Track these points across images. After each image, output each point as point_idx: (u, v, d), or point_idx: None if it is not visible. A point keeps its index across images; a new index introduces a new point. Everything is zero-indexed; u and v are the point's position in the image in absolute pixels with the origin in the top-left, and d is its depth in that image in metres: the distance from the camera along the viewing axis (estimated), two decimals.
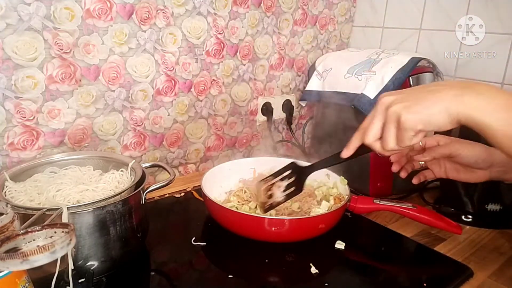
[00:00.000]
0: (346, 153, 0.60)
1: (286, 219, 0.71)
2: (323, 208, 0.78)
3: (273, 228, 0.70)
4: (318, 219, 0.72)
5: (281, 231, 0.70)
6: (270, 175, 0.73)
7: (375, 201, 0.78)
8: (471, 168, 0.68)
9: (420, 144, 0.68)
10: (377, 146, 0.55)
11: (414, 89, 0.53)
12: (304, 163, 0.72)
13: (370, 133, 0.55)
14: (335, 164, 0.65)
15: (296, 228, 0.70)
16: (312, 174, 0.72)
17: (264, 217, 0.71)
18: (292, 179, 0.71)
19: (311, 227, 0.71)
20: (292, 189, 0.71)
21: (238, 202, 0.81)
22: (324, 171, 0.89)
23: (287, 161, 0.76)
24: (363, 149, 0.59)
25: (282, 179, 0.71)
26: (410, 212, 0.76)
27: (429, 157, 0.67)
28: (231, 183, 0.90)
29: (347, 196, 0.78)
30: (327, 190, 0.85)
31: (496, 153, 0.65)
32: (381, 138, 0.55)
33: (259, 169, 0.93)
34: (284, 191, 0.71)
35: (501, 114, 0.45)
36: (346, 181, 0.83)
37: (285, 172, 0.71)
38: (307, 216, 0.75)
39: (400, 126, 0.51)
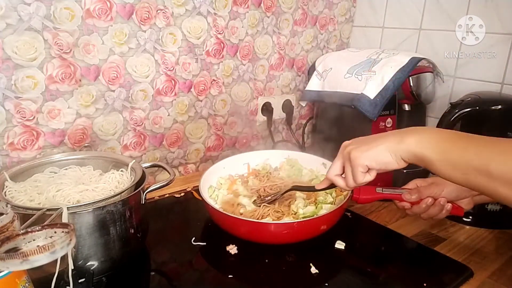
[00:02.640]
0: (319, 186, 0.70)
1: (289, 222, 0.71)
2: (328, 200, 0.79)
3: (273, 229, 0.70)
4: (321, 219, 0.72)
5: (283, 234, 0.70)
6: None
7: (377, 190, 0.77)
8: (455, 202, 0.73)
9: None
10: (339, 182, 0.65)
11: (369, 137, 0.62)
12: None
13: (331, 170, 0.65)
14: (315, 191, 0.74)
15: (298, 230, 0.70)
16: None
17: (265, 223, 0.72)
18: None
19: (313, 228, 0.71)
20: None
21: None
22: (320, 160, 0.92)
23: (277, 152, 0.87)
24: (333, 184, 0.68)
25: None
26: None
27: (416, 198, 0.72)
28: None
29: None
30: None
31: None
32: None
33: (252, 163, 0.96)
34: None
35: (436, 146, 0.53)
36: None
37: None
38: (309, 218, 0.75)
39: (351, 163, 0.60)
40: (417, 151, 0.54)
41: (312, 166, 0.94)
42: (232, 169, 0.93)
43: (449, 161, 0.52)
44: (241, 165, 0.95)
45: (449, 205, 0.71)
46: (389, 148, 0.57)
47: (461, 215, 0.75)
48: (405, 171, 1.03)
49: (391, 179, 0.94)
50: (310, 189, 0.75)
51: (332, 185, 0.69)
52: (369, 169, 0.60)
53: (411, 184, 0.75)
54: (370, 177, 0.61)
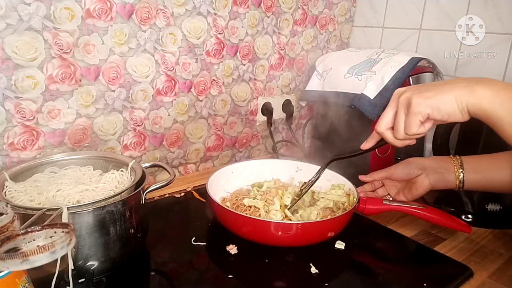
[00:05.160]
0: (365, 145, 0.64)
1: (296, 223, 0.70)
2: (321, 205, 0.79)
3: (279, 233, 0.69)
4: (327, 223, 0.71)
5: (289, 236, 0.69)
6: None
7: (384, 202, 0.78)
8: (411, 182, 0.76)
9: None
10: (388, 136, 0.57)
11: (429, 84, 0.56)
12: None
13: (382, 121, 0.57)
14: (357, 155, 0.68)
15: (305, 233, 0.69)
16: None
17: (274, 222, 0.71)
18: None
19: (319, 233, 0.71)
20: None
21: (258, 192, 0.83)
22: (329, 178, 0.88)
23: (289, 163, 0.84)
24: (381, 141, 0.61)
25: None
26: (420, 212, 0.76)
27: (370, 178, 0.76)
28: (235, 185, 0.90)
29: (355, 198, 0.78)
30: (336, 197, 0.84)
31: (428, 158, 0.78)
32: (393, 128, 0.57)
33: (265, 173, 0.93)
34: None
35: (510, 105, 0.47)
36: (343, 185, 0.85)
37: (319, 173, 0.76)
38: (317, 220, 0.75)
39: (409, 110, 0.52)
40: (488, 107, 0.48)
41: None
42: (240, 175, 0.91)
43: None
44: (249, 172, 0.92)
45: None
46: (457, 98, 0.50)
47: (469, 232, 0.76)
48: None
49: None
50: (353, 153, 0.68)
51: (380, 142, 0.62)
52: (426, 119, 0.53)
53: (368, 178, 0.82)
54: (424, 129, 0.54)
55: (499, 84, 0.50)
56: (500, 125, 0.48)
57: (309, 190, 0.79)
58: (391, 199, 0.82)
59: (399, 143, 0.58)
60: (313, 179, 0.76)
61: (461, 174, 0.73)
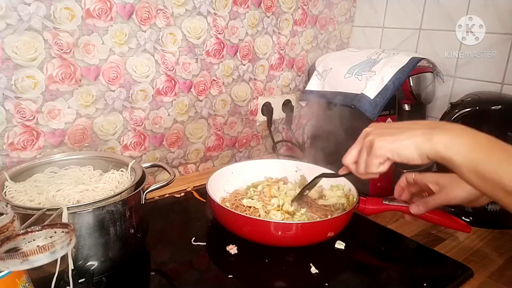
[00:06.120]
0: (341, 172, 0.67)
1: (296, 223, 0.70)
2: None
3: (279, 233, 0.69)
4: (327, 223, 0.72)
5: (289, 236, 0.69)
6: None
7: (384, 202, 0.77)
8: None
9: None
10: (353, 169, 0.62)
11: (392, 124, 0.60)
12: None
13: (347, 156, 0.62)
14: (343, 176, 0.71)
15: (306, 233, 0.70)
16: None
17: (274, 222, 0.71)
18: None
19: (319, 232, 0.71)
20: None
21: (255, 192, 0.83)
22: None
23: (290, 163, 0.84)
24: None
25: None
26: None
27: (425, 210, 0.70)
28: (234, 186, 0.90)
29: (355, 198, 0.78)
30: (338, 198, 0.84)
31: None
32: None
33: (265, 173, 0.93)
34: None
35: (467, 153, 0.50)
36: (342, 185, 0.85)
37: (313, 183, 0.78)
38: (317, 220, 0.75)
39: (371, 152, 0.57)
40: (446, 154, 0.51)
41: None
42: (241, 175, 0.91)
43: (478, 173, 0.49)
44: (250, 172, 0.92)
45: None
46: (416, 144, 0.53)
47: (469, 232, 0.76)
48: (405, 170, 1.03)
49: (391, 179, 0.94)
50: (335, 175, 0.72)
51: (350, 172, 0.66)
52: (386, 160, 0.57)
53: (420, 178, 0.72)
54: (384, 168, 0.57)
55: (456, 130, 0.52)
56: (458, 170, 0.50)
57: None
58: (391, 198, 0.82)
59: (362, 177, 0.62)
60: (301, 192, 0.79)
61: None
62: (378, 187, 0.95)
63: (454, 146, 0.50)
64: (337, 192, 0.83)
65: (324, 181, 0.87)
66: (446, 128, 0.52)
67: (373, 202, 0.78)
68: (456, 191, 0.67)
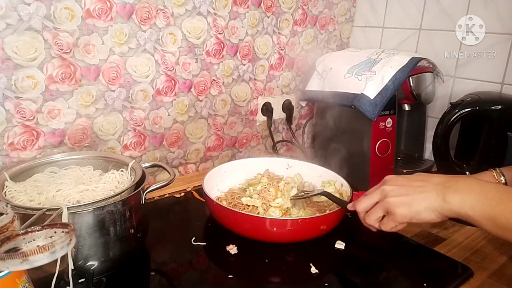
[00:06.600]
0: (349, 206, 0.70)
1: (288, 219, 0.71)
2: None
3: (274, 229, 0.70)
4: (320, 219, 0.72)
5: (282, 232, 0.70)
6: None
7: None
8: None
9: None
10: (362, 217, 0.66)
11: (407, 180, 0.62)
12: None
13: (361, 204, 0.65)
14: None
15: (298, 229, 0.70)
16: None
17: (263, 217, 0.72)
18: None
19: (313, 228, 0.71)
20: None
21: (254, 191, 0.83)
22: (320, 174, 0.90)
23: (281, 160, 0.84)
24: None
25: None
26: None
27: None
28: (228, 185, 0.90)
29: (348, 193, 0.79)
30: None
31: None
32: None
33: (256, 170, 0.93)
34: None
35: (481, 208, 0.54)
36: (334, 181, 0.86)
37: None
38: (310, 216, 0.75)
39: (391, 216, 0.61)
40: (461, 212, 0.56)
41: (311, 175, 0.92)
42: (233, 174, 0.92)
43: (494, 222, 0.53)
44: (242, 170, 0.93)
45: None
46: (431, 207, 0.57)
47: None
48: (405, 170, 1.03)
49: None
50: (338, 201, 0.75)
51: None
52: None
53: None
54: (399, 227, 0.63)
55: (471, 187, 0.57)
56: (477, 223, 0.55)
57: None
58: None
59: (365, 224, 0.66)
60: (300, 196, 0.81)
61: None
62: None
63: (468, 203, 0.55)
64: (329, 188, 0.83)
65: (315, 178, 0.90)
66: (457, 187, 0.57)
67: None
68: None
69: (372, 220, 0.64)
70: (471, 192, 0.56)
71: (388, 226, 0.62)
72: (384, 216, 0.63)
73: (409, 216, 0.59)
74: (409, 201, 0.59)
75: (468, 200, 0.55)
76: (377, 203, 0.64)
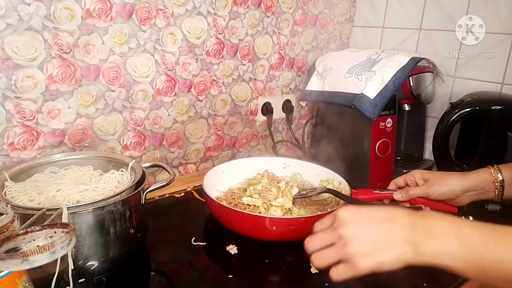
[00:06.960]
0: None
1: (291, 218, 0.72)
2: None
3: (277, 228, 0.70)
4: (323, 217, 0.72)
5: (285, 230, 0.70)
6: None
7: (374, 191, 0.79)
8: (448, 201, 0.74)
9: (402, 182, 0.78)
10: (311, 259, 0.54)
11: (369, 223, 0.52)
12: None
13: (310, 243, 0.54)
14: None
15: (298, 227, 0.70)
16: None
17: (266, 217, 0.72)
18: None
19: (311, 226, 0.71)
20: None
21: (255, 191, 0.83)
22: (317, 172, 0.90)
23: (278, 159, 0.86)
24: None
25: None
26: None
27: (406, 198, 0.74)
28: (226, 185, 0.90)
29: (348, 191, 0.79)
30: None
31: (468, 179, 0.72)
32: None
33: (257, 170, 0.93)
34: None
35: (460, 256, 0.47)
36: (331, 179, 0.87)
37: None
38: (312, 214, 0.76)
39: (350, 266, 0.51)
40: (441, 264, 0.48)
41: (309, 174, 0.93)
42: (231, 173, 0.92)
43: (483, 271, 0.47)
44: (242, 170, 0.94)
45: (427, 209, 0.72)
46: (401, 260, 0.49)
47: (455, 211, 0.76)
48: (405, 170, 1.03)
49: (391, 178, 0.94)
50: (344, 197, 0.76)
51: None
52: None
53: (409, 176, 0.76)
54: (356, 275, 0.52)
55: (445, 233, 0.48)
56: (462, 274, 0.49)
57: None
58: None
59: (312, 264, 0.54)
60: (302, 195, 0.80)
61: (501, 192, 0.70)
62: (378, 187, 0.95)
63: (447, 254, 0.48)
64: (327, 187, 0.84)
65: (313, 177, 0.91)
66: (430, 233, 0.48)
67: (365, 193, 0.80)
68: (436, 186, 0.72)
69: (322, 264, 0.53)
70: (448, 239, 0.48)
71: (345, 275, 0.52)
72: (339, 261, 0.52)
73: (374, 267, 0.51)
74: (374, 252, 0.50)
75: (447, 250, 0.47)
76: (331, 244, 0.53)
